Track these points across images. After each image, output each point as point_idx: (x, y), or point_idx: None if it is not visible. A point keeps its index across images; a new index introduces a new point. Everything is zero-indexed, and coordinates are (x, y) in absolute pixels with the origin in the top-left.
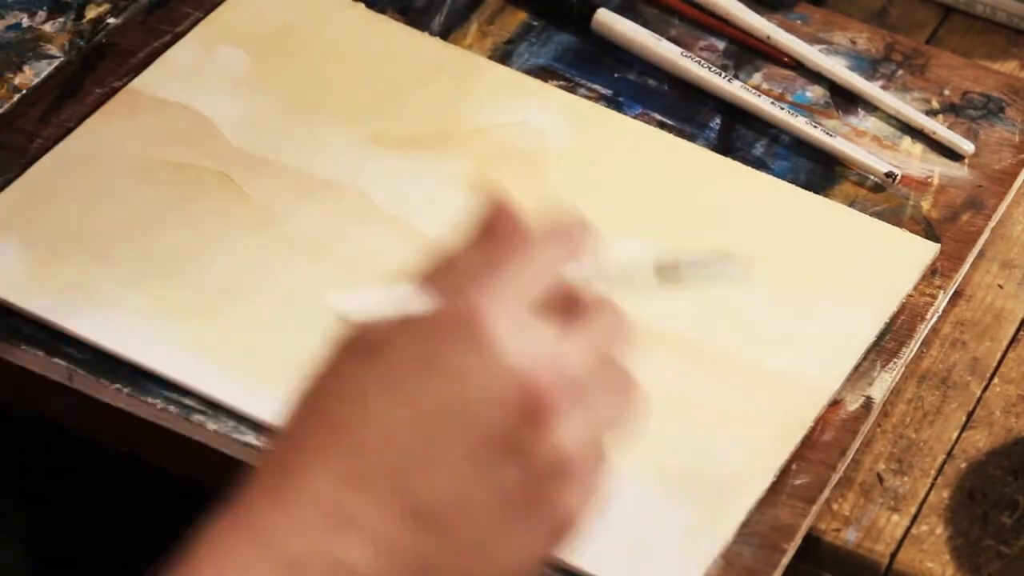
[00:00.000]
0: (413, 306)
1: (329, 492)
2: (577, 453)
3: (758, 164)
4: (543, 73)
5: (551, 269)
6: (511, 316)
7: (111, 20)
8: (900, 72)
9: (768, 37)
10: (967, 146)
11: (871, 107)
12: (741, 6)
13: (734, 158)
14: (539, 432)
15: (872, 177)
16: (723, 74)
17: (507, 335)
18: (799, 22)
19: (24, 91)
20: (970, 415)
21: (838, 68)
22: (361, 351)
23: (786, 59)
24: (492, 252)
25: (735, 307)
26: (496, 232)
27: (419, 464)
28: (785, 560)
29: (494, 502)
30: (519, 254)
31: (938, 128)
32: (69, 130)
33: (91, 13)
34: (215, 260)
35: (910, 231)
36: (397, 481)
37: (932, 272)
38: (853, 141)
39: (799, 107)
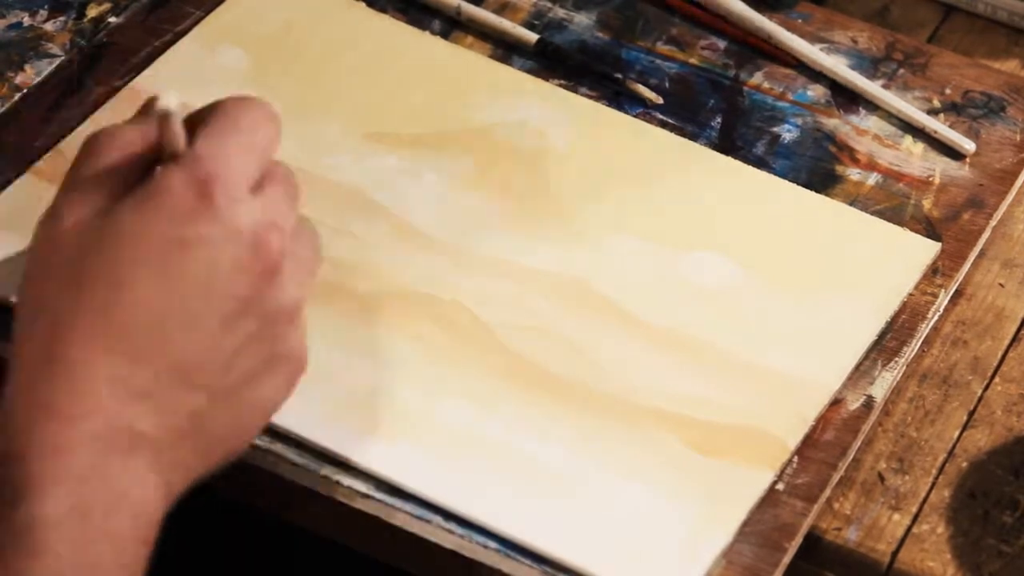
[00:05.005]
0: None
1: (114, 370)
2: (299, 299)
3: (759, 163)
4: (543, 72)
5: (263, 151)
6: (236, 188)
7: (112, 19)
8: (901, 71)
9: (769, 36)
10: (968, 145)
11: (872, 106)
12: (742, 5)
13: (735, 157)
14: (272, 286)
15: (874, 175)
16: None
17: (235, 205)
18: (800, 21)
19: (25, 90)
20: (971, 414)
21: (839, 67)
22: (105, 234)
23: (787, 58)
24: (218, 131)
25: (736, 306)
26: (220, 113)
27: (182, 330)
28: (786, 559)
29: (244, 352)
30: (242, 136)
31: (939, 127)
32: (70, 129)
33: (92, 12)
34: None
35: (911, 230)
36: (166, 349)
37: (933, 271)
38: (854, 140)
39: (800, 106)
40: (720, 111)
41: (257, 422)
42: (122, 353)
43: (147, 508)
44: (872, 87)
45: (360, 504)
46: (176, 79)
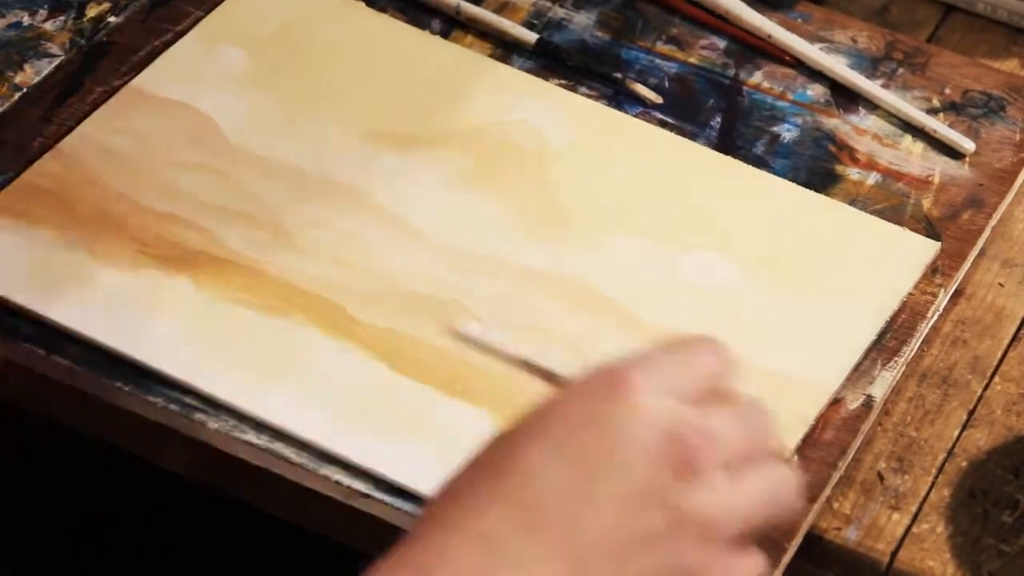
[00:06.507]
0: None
1: (496, 532)
2: (720, 515)
3: (759, 163)
4: (543, 72)
5: (700, 372)
6: (657, 385)
7: (112, 18)
8: (901, 70)
9: (769, 36)
10: (968, 144)
11: (872, 105)
12: (742, 5)
13: (735, 157)
14: (683, 484)
15: (874, 174)
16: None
17: (652, 394)
18: (800, 21)
19: (25, 89)
20: (971, 414)
21: (839, 66)
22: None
23: (787, 58)
24: (651, 351)
25: (736, 306)
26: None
27: (577, 511)
28: (786, 559)
29: (640, 549)
30: (674, 354)
31: (939, 127)
32: (70, 128)
33: (92, 11)
34: (216, 258)
35: (911, 229)
36: (558, 526)
37: (933, 271)
38: (854, 139)
39: (800, 105)
40: (720, 111)
41: None
42: (510, 517)
43: None
44: (872, 87)
45: (360, 504)
46: (176, 79)
